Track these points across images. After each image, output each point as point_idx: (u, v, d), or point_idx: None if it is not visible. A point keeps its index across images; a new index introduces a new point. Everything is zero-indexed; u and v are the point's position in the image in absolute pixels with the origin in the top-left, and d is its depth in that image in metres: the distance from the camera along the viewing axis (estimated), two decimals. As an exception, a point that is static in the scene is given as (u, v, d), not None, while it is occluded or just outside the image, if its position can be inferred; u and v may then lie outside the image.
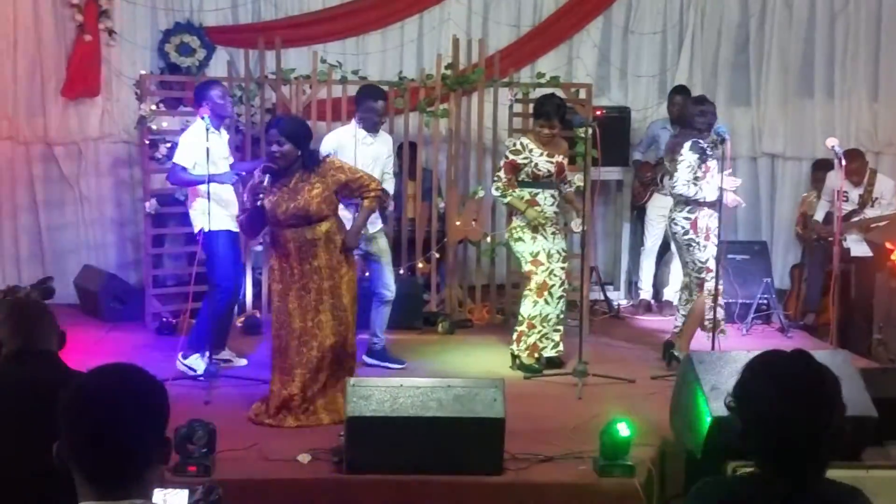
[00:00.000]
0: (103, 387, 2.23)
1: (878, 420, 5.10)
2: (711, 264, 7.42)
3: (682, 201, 7.47)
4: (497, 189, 7.57)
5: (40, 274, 9.10)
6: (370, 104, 7.42)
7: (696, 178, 7.36)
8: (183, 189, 7.83)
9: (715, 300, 7.35)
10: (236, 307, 8.11)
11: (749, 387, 2.58)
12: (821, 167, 9.53)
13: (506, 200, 7.59)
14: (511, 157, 7.50)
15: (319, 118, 8.94)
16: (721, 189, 7.19)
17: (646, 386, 7.17)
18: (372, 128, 7.42)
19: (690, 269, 7.58)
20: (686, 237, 7.51)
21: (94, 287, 8.95)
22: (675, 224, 7.58)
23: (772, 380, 2.54)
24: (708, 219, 7.42)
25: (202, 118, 7.18)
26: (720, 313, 7.48)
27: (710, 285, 7.44)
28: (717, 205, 7.30)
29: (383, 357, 7.54)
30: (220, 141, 7.38)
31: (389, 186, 7.70)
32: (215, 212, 7.08)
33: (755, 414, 2.54)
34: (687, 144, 7.43)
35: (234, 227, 7.17)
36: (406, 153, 9.26)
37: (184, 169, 7.26)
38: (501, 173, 7.55)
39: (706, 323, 7.52)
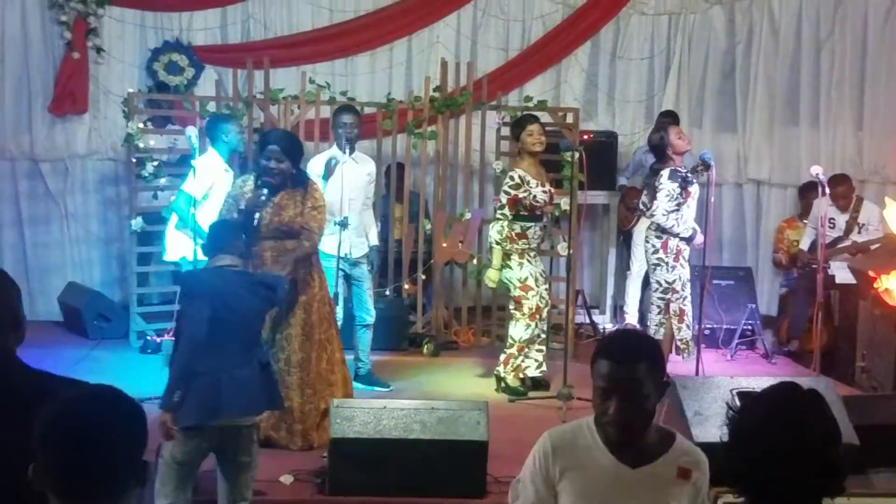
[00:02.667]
0: (82, 411, 2.21)
1: (860, 448, 5.11)
2: (678, 286, 7.49)
3: (656, 226, 7.57)
4: (499, 233, 7.49)
5: (25, 291, 9.05)
6: (337, 119, 7.41)
7: (677, 205, 7.41)
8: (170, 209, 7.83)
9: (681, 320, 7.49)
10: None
11: (738, 413, 2.59)
12: (808, 189, 9.59)
13: (495, 248, 7.54)
14: (513, 192, 7.46)
15: (307, 138, 8.94)
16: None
17: (629, 410, 7.15)
18: (345, 144, 7.24)
19: (655, 288, 7.67)
20: (655, 256, 7.60)
21: (79, 304, 8.92)
22: (647, 242, 7.70)
23: (760, 405, 2.54)
24: (679, 241, 7.49)
25: (190, 137, 7.20)
26: (688, 333, 7.51)
27: (675, 306, 7.51)
28: (688, 240, 7.48)
29: (369, 381, 7.50)
30: (228, 179, 7.42)
31: (369, 214, 7.66)
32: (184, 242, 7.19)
33: (741, 440, 2.53)
34: (665, 173, 7.49)
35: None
36: (394, 174, 9.28)
37: (194, 203, 7.26)
38: (507, 211, 7.49)
39: (679, 344, 7.54)
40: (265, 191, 6.05)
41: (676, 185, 7.41)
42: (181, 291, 5.12)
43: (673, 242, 7.49)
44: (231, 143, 7.38)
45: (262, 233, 6.11)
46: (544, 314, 7.58)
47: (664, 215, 7.41)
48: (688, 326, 7.54)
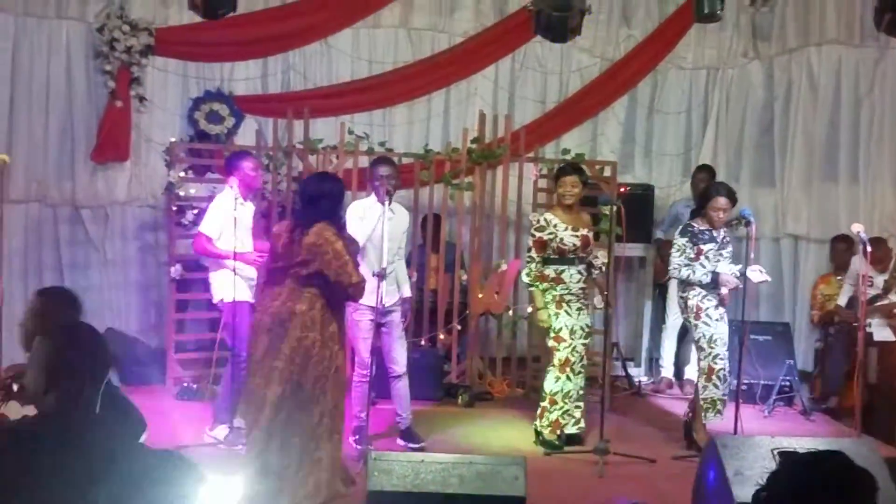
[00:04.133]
0: None
1: (904, 510, 5.03)
2: (703, 343, 7.44)
3: (679, 281, 7.59)
4: (528, 274, 7.54)
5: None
6: (375, 170, 7.32)
7: (689, 261, 7.44)
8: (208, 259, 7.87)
9: (708, 379, 7.42)
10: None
11: (783, 475, 2.55)
12: (839, 240, 9.55)
13: (530, 288, 7.58)
14: (537, 234, 7.51)
15: (346, 188, 9.00)
16: (744, 275, 7.33)
17: (667, 466, 7.13)
18: (383, 196, 7.11)
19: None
20: (682, 315, 7.70)
21: (116, 350, 8.96)
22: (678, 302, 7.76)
23: (809, 473, 2.50)
24: (699, 299, 7.45)
25: (230, 187, 7.25)
26: (717, 393, 7.42)
27: (702, 364, 7.48)
28: (709, 286, 7.41)
29: (404, 436, 7.37)
30: (247, 212, 7.44)
31: (401, 265, 7.55)
32: (229, 283, 7.17)
33: (783, 502, 2.49)
34: (680, 229, 7.62)
35: (246, 297, 7.25)
36: (430, 225, 9.31)
37: (209, 239, 7.31)
38: (533, 253, 7.54)
39: (702, 403, 7.49)
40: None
41: (686, 239, 7.48)
42: None
43: (692, 301, 7.47)
44: (245, 179, 7.36)
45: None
46: (577, 368, 7.50)
47: (675, 268, 7.51)
48: (715, 385, 7.41)
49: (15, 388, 4.24)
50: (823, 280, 9.75)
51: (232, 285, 7.14)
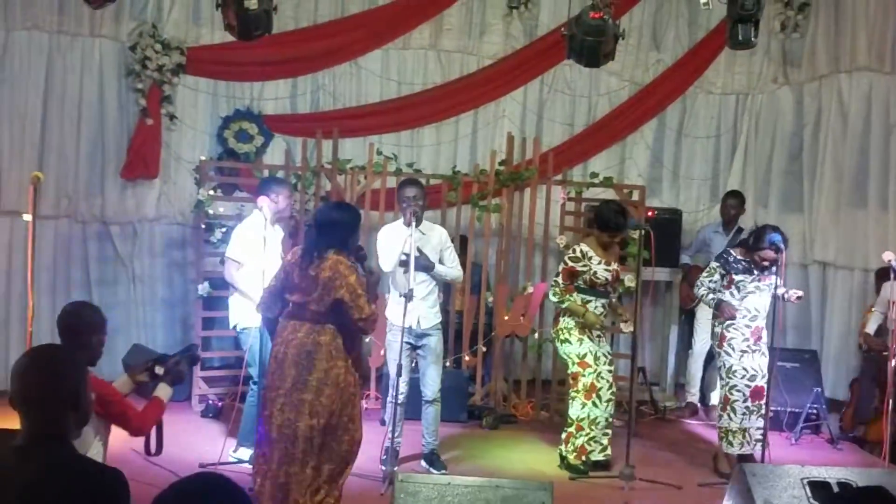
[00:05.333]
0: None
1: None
2: (723, 372, 7.49)
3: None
4: (555, 295, 7.51)
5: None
6: (402, 192, 7.30)
7: (713, 283, 7.51)
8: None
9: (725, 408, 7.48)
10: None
11: None
12: (884, 276, 9.45)
13: (564, 306, 7.52)
14: (571, 263, 7.49)
15: (373, 208, 9.04)
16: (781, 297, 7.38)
17: (693, 493, 7.08)
18: (409, 217, 7.11)
19: None
20: (713, 341, 7.74)
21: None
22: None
23: None
24: (723, 327, 7.48)
25: (259, 209, 7.26)
26: (731, 423, 7.42)
27: (722, 392, 7.55)
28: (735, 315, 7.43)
29: (428, 460, 7.35)
30: (275, 236, 7.43)
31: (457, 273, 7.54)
32: (249, 309, 7.14)
33: None
34: (718, 253, 7.77)
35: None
36: (457, 247, 9.28)
37: (238, 265, 7.34)
38: (559, 279, 7.51)
39: (719, 433, 7.55)
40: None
41: (718, 264, 7.56)
42: None
43: (718, 328, 7.54)
44: (272, 206, 7.35)
45: None
46: (605, 395, 7.46)
47: (697, 286, 7.62)
48: (730, 416, 7.42)
49: (159, 371, 4.74)
50: (868, 310, 9.65)
51: (248, 312, 7.13)
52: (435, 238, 7.38)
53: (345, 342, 5.90)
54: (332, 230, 5.94)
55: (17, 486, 2.86)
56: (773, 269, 7.33)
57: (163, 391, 4.66)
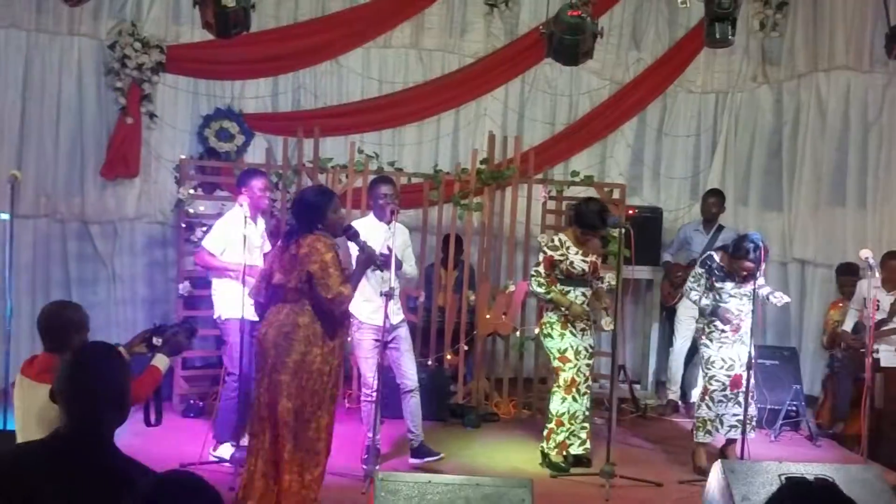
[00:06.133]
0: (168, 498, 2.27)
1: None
2: (703, 363, 7.64)
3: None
4: (539, 285, 7.53)
5: (69, 351, 9.12)
6: (376, 190, 7.33)
7: (699, 287, 7.56)
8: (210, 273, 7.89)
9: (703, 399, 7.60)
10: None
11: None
12: (845, 272, 9.53)
13: (549, 297, 7.53)
14: (549, 252, 7.54)
15: (354, 206, 9.04)
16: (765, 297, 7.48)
17: (674, 490, 7.11)
18: (382, 214, 7.19)
19: None
20: (696, 334, 7.92)
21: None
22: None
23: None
24: (706, 321, 7.62)
25: (240, 205, 7.27)
26: (708, 413, 7.53)
27: (702, 383, 7.66)
28: (711, 315, 7.56)
29: (418, 453, 7.35)
30: (256, 230, 7.45)
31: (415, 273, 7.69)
32: (230, 300, 7.20)
33: None
34: (701, 259, 7.83)
35: (248, 315, 7.09)
36: (452, 247, 9.24)
37: (211, 254, 7.37)
38: (541, 268, 7.55)
39: (695, 422, 7.67)
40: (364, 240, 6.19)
41: (703, 270, 7.62)
42: None
43: (701, 322, 7.69)
44: (252, 198, 7.36)
45: None
46: (582, 388, 7.50)
47: (688, 290, 7.71)
48: (708, 406, 7.53)
49: (157, 342, 4.69)
50: (833, 306, 9.72)
51: (231, 303, 7.20)
52: (400, 237, 7.30)
53: (324, 327, 5.89)
54: (306, 212, 6.00)
55: (56, 484, 2.86)
56: (755, 275, 7.37)
57: (160, 361, 4.66)
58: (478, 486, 5.29)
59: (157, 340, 4.74)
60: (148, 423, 4.46)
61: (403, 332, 7.37)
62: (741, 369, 7.42)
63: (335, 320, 5.97)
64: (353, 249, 6.35)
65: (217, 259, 7.37)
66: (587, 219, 7.55)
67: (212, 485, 2.33)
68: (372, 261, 6.16)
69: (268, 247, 7.72)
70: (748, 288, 7.39)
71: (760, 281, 7.52)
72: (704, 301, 7.51)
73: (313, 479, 5.91)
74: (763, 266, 7.50)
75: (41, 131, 9.38)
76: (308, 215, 5.98)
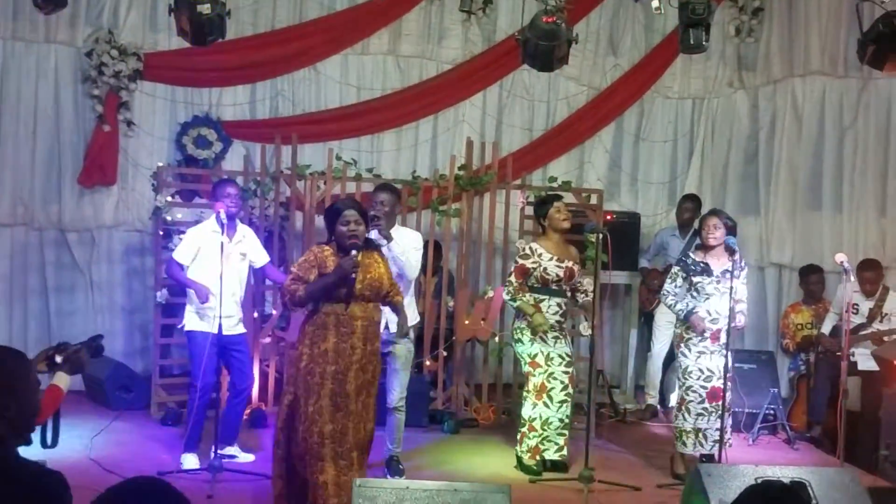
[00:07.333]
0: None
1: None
2: (680, 373, 7.61)
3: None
4: (507, 293, 7.62)
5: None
6: (373, 197, 7.32)
7: (677, 289, 7.58)
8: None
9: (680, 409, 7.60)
10: (245, 405, 7.97)
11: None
12: (809, 272, 9.61)
13: (515, 304, 7.59)
14: (520, 261, 7.57)
15: (333, 214, 9.04)
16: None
17: (652, 494, 7.14)
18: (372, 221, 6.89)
19: None
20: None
21: (101, 375, 8.93)
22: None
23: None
24: (683, 328, 7.60)
25: (217, 213, 7.25)
26: (685, 424, 7.52)
27: (679, 392, 7.63)
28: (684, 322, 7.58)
29: (387, 466, 7.26)
30: (237, 238, 7.48)
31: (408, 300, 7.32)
32: (195, 312, 7.33)
33: None
34: (677, 258, 7.87)
35: (209, 328, 7.16)
36: (431, 253, 9.21)
37: (180, 266, 7.39)
38: (512, 278, 7.60)
39: (674, 432, 7.66)
40: (354, 253, 6.07)
41: (679, 268, 7.65)
42: None
43: (679, 329, 7.68)
44: (231, 206, 7.38)
45: (356, 293, 6.07)
46: (557, 395, 7.49)
47: (664, 294, 7.70)
48: (684, 417, 7.51)
49: (58, 359, 4.46)
50: (794, 309, 9.76)
51: (196, 315, 7.34)
52: (403, 241, 7.18)
53: (321, 321, 6.05)
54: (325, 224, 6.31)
55: None
56: (732, 270, 7.36)
57: (61, 380, 4.44)
58: (456, 492, 5.30)
59: (58, 358, 4.53)
60: (44, 445, 4.28)
61: (399, 349, 7.15)
62: (719, 381, 7.41)
63: (338, 323, 6.07)
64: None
65: (183, 274, 7.39)
66: (548, 196, 7.86)
67: (179, 491, 2.33)
68: (341, 275, 6.12)
69: (261, 258, 7.73)
70: (727, 285, 7.36)
71: (742, 292, 7.51)
72: (679, 306, 7.53)
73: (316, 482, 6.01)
74: (742, 264, 7.50)
75: (17, 139, 9.36)
76: (326, 227, 6.26)
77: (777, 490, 2.78)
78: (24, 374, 3.17)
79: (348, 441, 5.97)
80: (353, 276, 6.04)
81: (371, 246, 6.35)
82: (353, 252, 6.05)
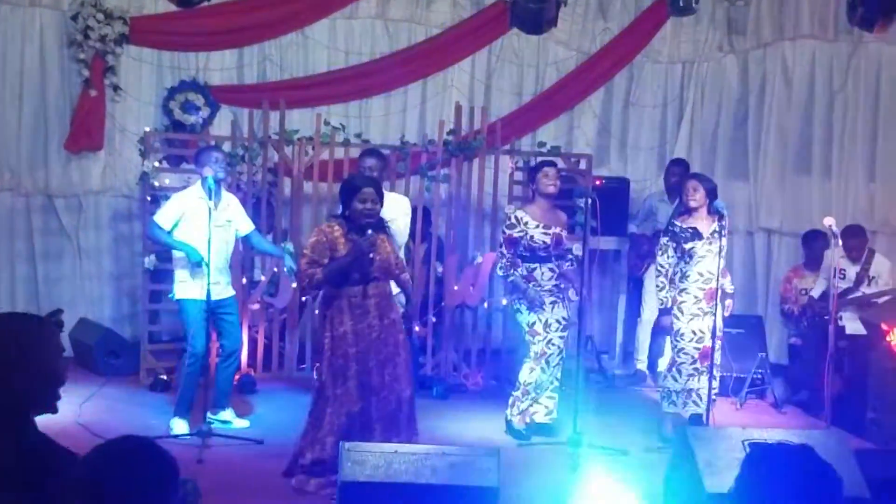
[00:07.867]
0: (113, 466, 2.24)
1: (871, 502, 5.08)
2: (673, 335, 7.64)
3: None
4: (500, 269, 7.62)
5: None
6: (360, 162, 7.40)
7: (671, 258, 7.59)
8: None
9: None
10: (236, 368, 7.97)
11: (750, 478, 2.59)
12: (812, 238, 9.58)
13: (510, 280, 7.58)
14: (507, 231, 7.53)
15: (321, 179, 9.02)
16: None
17: (640, 458, 7.16)
18: None
19: None
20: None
21: (90, 341, 8.93)
22: None
23: (772, 474, 2.54)
24: (676, 291, 7.61)
25: (205, 178, 7.21)
26: (674, 385, 7.58)
27: (672, 354, 7.69)
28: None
29: None
30: (223, 204, 7.44)
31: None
32: (183, 280, 7.29)
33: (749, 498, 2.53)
34: (664, 228, 7.89)
35: (199, 295, 7.18)
36: (420, 219, 9.18)
37: (160, 228, 7.34)
38: (503, 249, 7.57)
39: (659, 390, 7.76)
40: (371, 232, 6.10)
41: (668, 238, 7.65)
42: None
43: (673, 292, 7.64)
44: (216, 171, 7.35)
45: (369, 272, 6.16)
46: (553, 360, 7.53)
47: (658, 271, 7.73)
48: (674, 378, 7.57)
49: None
50: (797, 274, 9.78)
51: (185, 283, 7.32)
52: (397, 208, 7.32)
53: (336, 305, 6.17)
54: (340, 198, 6.40)
55: None
56: (719, 231, 7.36)
57: None
58: (444, 456, 5.33)
59: None
60: None
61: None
62: (710, 342, 7.46)
63: (352, 305, 6.17)
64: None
65: (164, 234, 7.34)
66: (539, 164, 7.84)
67: (166, 450, 2.32)
68: (359, 255, 6.13)
69: (246, 226, 7.70)
70: (717, 245, 7.36)
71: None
72: (662, 294, 7.60)
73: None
74: (725, 230, 7.49)
75: (3, 104, 9.33)
76: (341, 201, 6.32)
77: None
78: (31, 342, 2.86)
79: (372, 416, 6.18)
80: (371, 255, 6.10)
81: (382, 226, 6.37)
82: (370, 231, 6.06)
